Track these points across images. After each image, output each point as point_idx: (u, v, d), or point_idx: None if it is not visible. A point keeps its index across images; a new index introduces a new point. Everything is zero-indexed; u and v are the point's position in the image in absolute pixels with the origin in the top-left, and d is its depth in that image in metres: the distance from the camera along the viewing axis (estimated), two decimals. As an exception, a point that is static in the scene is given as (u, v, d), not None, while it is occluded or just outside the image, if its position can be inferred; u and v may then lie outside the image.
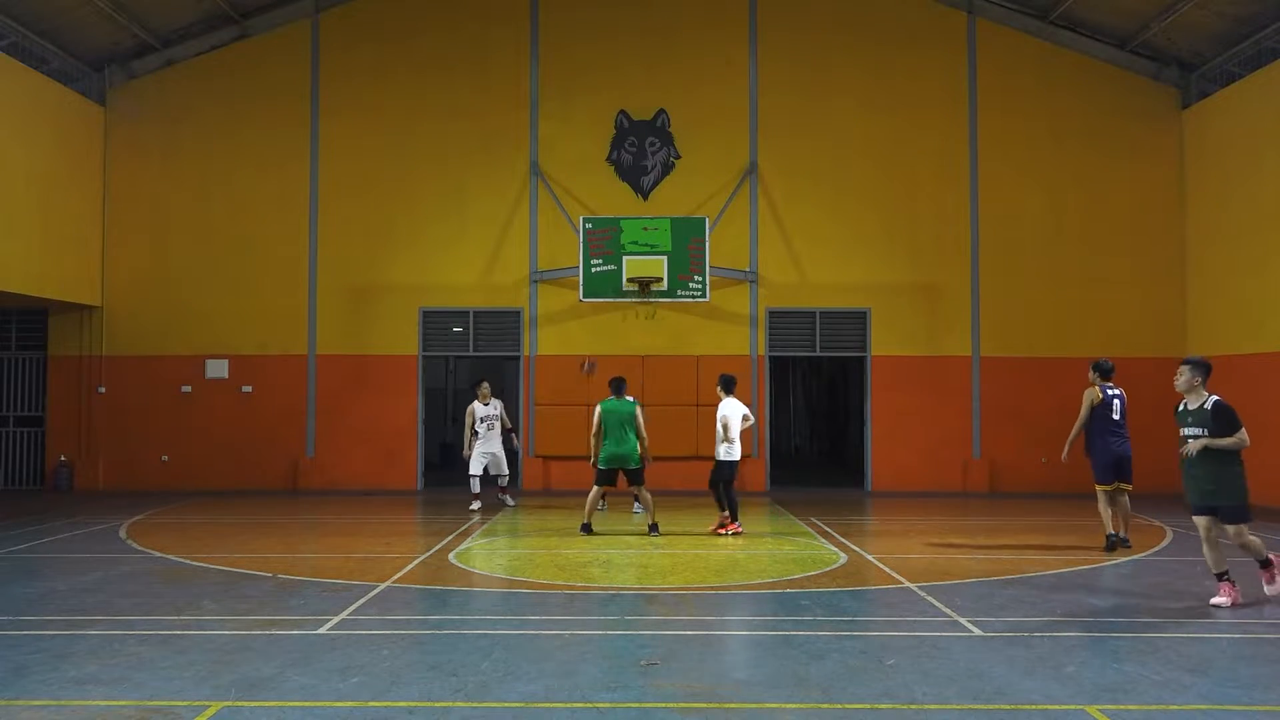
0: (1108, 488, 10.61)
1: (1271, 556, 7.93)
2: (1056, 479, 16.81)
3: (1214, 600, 7.73)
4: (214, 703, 5.31)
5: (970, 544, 11.18)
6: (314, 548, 11.04)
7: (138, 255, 17.52)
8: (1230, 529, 7.76)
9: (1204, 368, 7.88)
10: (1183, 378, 7.89)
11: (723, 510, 11.70)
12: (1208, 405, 7.80)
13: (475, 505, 14.02)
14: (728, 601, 8.14)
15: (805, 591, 8.39)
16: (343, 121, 17.59)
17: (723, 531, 11.55)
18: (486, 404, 14.15)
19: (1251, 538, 7.81)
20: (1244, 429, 7.75)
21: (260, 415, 17.32)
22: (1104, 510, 10.58)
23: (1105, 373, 11.00)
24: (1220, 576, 7.79)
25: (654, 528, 11.60)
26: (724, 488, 11.62)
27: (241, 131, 17.62)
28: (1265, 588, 7.91)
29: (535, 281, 17.39)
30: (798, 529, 12.33)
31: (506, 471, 14.50)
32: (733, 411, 11.64)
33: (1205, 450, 7.77)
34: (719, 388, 11.94)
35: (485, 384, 14.35)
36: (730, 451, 11.59)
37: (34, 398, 17.81)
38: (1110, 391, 10.83)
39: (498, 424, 14.19)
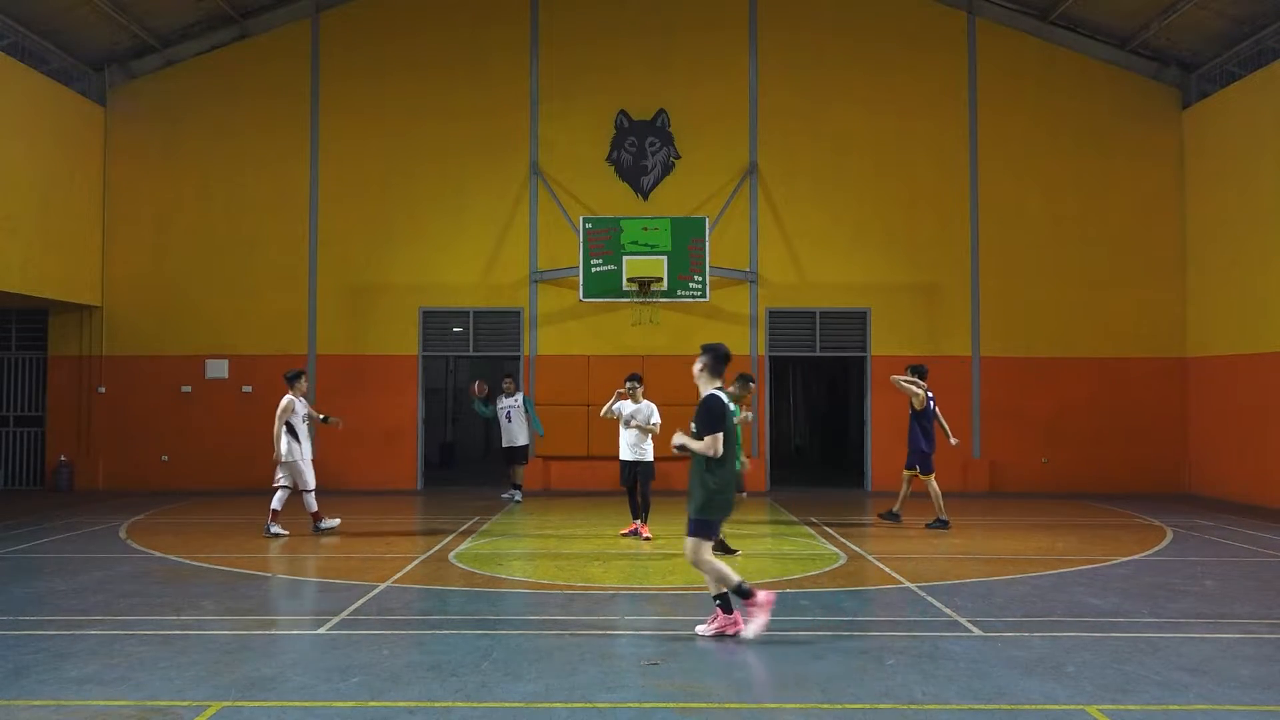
0: (926, 474, 12.56)
1: (759, 594, 6.66)
2: (1056, 479, 16.87)
3: (698, 629, 6.80)
4: (214, 703, 5.31)
5: (970, 544, 11.18)
6: (314, 548, 11.03)
7: (138, 255, 17.52)
8: (687, 541, 6.79)
9: (713, 354, 6.89)
10: (695, 365, 6.97)
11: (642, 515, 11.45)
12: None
13: (330, 523, 11.98)
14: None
15: (805, 591, 8.39)
16: (343, 121, 17.59)
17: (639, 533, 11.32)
18: (300, 399, 12.06)
19: (709, 559, 6.75)
20: (718, 435, 6.54)
21: (260, 415, 17.19)
22: (906, 492, 12.86)
23: (924, 375, 12.79)
24: (738, 593, 6.66)
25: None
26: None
27: (241, 131, 17.62)
28: (707, 625, 6.78)
29: (535, 281, 17.39)
30: (798, 529, 12.33)
31: (312, 485, 12.04)
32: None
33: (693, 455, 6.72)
34: (640, 387, 11.56)
35: (304, 375, 12.39)
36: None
37: (34, 398, 17.81)
38: (930, 392, 12.73)
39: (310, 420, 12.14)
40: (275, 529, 11.56)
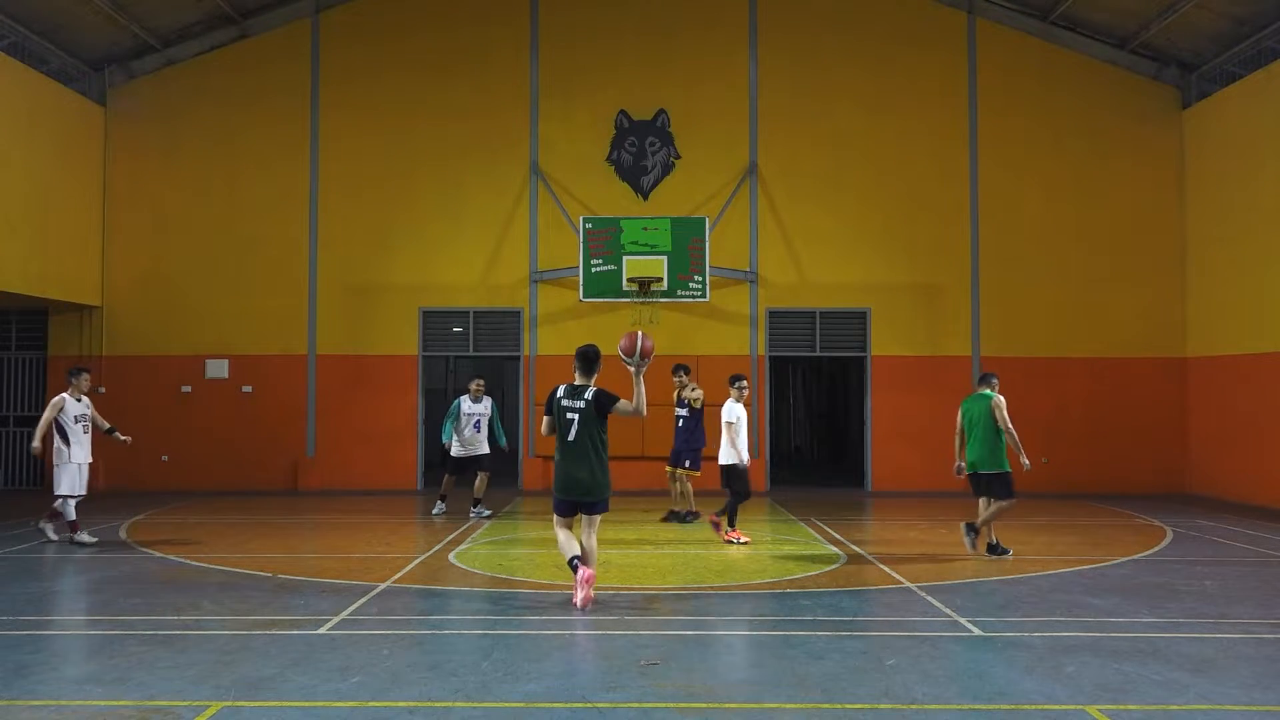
0: (696, 471, 12.85)
1: (583, 569, 7.51)
2: (1056, 479, 16.86)
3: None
4: (214, 703, 5.31)
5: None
6: (314, 548, 11.03)
7: (138, 255, 17.52)
8: None
9: (577, 355, 7.88)
10: None
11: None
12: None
13: (85, 536, 10.92)
14: (728, 601, 8.14)
15: (805, 591, 8.39)
16: (342, 121, 17.59)
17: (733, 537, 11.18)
18: (80, 399, 11.28)
19: (557, 531, 7.82)
20: (545, 420, 7.78)
21: (260, 415, 17.31)
22: (690, 490, 12.96)
23: (689, 373, 13.31)
24: (570, 565, 7.63)
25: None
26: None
27: (241, 131, 17.62)
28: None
29: (535, 281, 17.39)
30: (798, 529, 12.33)
31: (83, 492, 11.15)
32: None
33: None
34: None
35: (86, 373, 11.49)
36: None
37: (34, 398, 17.79)
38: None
39: (91, 425, 11.34)
40: (83, 536, 10.85)
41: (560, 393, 7.71)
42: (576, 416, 7.58)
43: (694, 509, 12.90)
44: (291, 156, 17.58)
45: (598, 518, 7.75)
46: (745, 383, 11.56)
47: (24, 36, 15.77)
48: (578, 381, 7.74)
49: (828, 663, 6.11)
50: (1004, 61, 17.54)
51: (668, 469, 13.15)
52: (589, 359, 7.80)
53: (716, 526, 11.11)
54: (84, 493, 11.10)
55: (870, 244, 17.38)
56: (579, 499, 7.64)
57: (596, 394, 7.66)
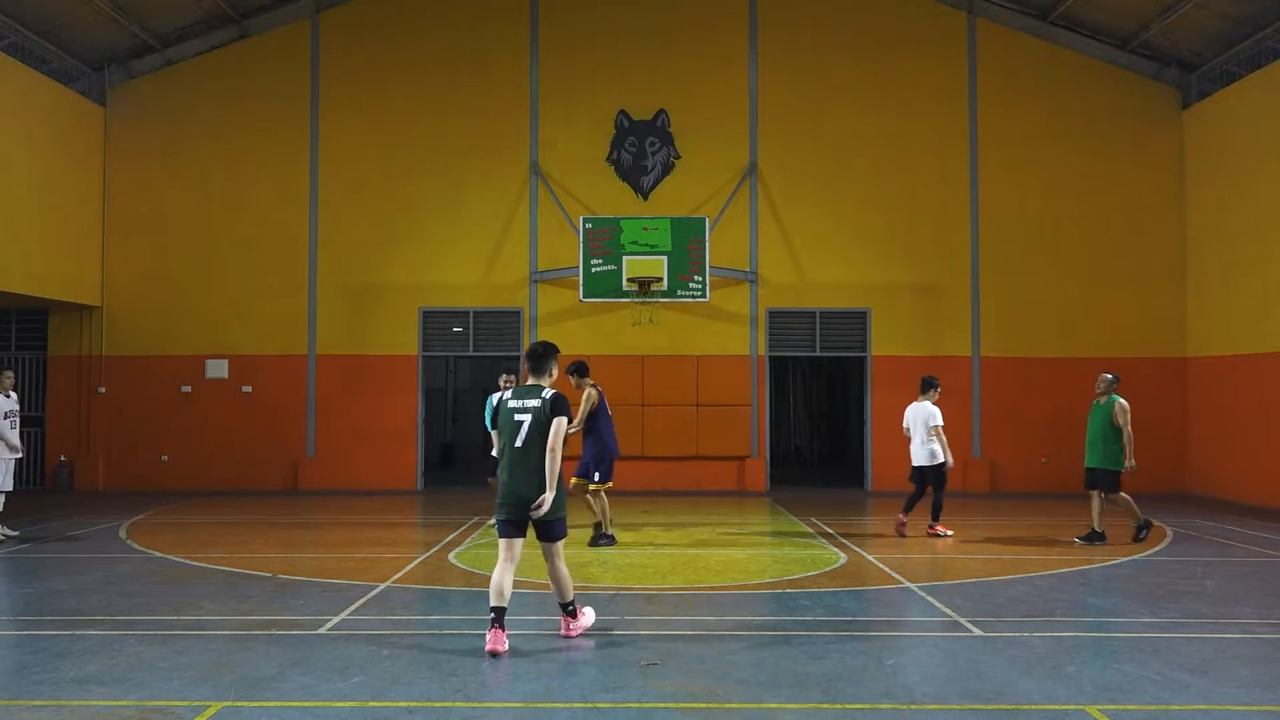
0: (608, 485, 10.82)
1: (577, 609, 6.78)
2: (1056, 479, 16.85)
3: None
4: (214, 703, 5.31)
5: (970, 544, 11.18)
6: (314, 548, 11.03)
7: (138, 255, 17.52)
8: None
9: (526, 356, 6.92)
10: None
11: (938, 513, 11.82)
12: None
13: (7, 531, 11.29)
14: (728, 601, 8.14)
15: (805, 591, 8.39)
16: (342, 121, 17.59)
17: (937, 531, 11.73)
18: (9, 395, 11.31)
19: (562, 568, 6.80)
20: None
21: (260, 415, 17.31)
22: (604, 506, 10.80)
23: (587, 372, 10.99)
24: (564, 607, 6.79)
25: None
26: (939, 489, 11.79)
27: (241, 131, 17.61)
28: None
29: (535, 281, 17.39)
30: (798, 529, 12.33)
31: (10, 488, 11.31)
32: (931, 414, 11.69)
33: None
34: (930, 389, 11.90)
35: (9, 372, 11.46)
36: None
37: (34, 398, 17.79)
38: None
39: (19, 421, 11.50)
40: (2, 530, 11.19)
41: (505, 396, 6.72)
42: (528, 418, 6.50)
43: (609, 531, 10.92)
44: (291, 156, 17.58)
45: (559, 545, 6.68)
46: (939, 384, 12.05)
47: (24, 36, 15.77)
48: (530, 382, 6.77)
49: (828, 663, 6.11)
50: (1004, 61, 17.54)
51: (574, 480, 10.74)
52: (539, 357, 6.76)
53: (932, 529, 11.68)
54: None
55: (870, 244, 17.38)
56: (525, 518, 6.52)
57: (556, 395, 6.59)
